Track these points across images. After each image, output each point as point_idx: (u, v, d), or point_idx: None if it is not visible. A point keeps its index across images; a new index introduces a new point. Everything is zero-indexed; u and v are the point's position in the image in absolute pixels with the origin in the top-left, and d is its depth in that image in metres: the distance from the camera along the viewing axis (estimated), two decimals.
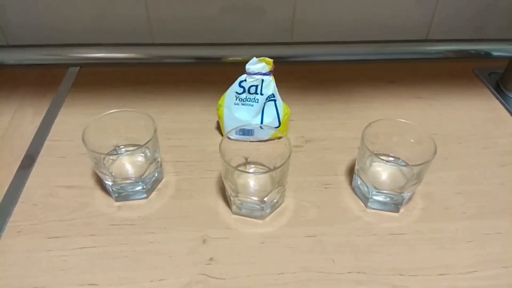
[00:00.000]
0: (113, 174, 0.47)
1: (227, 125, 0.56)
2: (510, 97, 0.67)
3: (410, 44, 0.77)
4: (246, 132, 0.50)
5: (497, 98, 0.67)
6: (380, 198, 0.48)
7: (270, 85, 0.53)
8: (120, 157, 0.50)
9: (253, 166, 0.52)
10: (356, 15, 0.73)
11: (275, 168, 0.43)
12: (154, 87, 0.68)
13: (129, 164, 0.49)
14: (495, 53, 0.78)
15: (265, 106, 0.54)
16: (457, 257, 0.44)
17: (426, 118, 0.63)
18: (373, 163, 0.49)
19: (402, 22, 0.75)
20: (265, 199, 0.46)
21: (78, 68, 0.72)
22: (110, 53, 0.74)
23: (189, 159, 0.55)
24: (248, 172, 0.48)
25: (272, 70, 0.53)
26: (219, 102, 0.56)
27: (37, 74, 0.71)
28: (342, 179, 0.53)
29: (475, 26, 0.77)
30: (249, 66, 0.52)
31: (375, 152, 0.52)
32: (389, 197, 0.48)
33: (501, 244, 0.46)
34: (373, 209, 0.49)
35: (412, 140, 0.49)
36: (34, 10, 0.69)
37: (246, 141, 0.51)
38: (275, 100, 0.54)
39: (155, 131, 0.47)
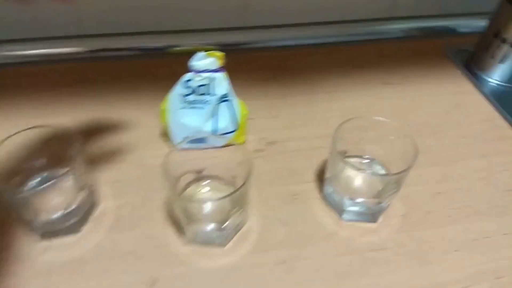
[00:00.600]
0: (33, 208, 0.38)
1: (175, 133, 0.47)
2: (482, 77, 0.62)
3: (374, 23, 0.70)
4: (197, 141, 0.42)
5: (469, 79, 0.62)
6: (356, 208, 0.42)
7: (222, 83, 0.45)
8: (38, 188, 0.40)
9: (209, 180, 0.44)
10: None
11: (233, 192, 0.35)
12: (84, 88, 0.57)
13: (52, 195, 0.39)
14: (461, 29, 0.73)
15: (219, 108, 0.46)
16: (446, 272, 0.39)
17: (398, 107, 0.57)
18: (346, 170, 0.42)
19: (365, 0, 0.68)
20: (225, 225, 0.38)
21: None
22: (29, 49, 0.62)
23: (130, 177, 0.46)
24: (200, 201, 0.39)
25: (223, 65, 0.44)
26: (162, 106, 0.47)
27: None
28: (312, 186, 0.46)
29: (438, 1, 0.71)
30: (195, 63, 0.43)
31: (347, 154, 0.45)
32: (366, 207, 0.42)
33: (490, 250, 0.41)
34: (349, 220, 0.43)
35: (388, 139, 0.43)
36: None
37: (199, 150, 0.42)
38: (229, 100, 0.46)
39: (77, 151, 0.38)
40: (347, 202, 0.42)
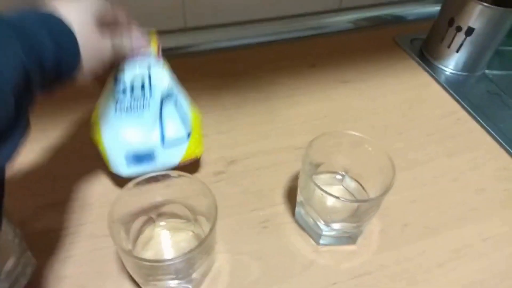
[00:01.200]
0: None
1: (113, 153, 0.37)
2: (437, 66, 0.61)
3: (322, 16, 0.66)
4: (143, 159, 0.35)
5: (425, 70, 0.60)
6: (333, 233, 0.38)
7: (163, 76, 0.36)
8: None
9: (165, 220, 0.38)
10: None
11: (200, 244, 0.29)
12: None
13: None
14: (411, 17, 0.71)
15: (162, 110, 0.36)
16: None
17: (359, 107, 0.54)
18: (319, 194, 0.38)
19: None
20: (192, 276, 0.33)
21: None
22: None
23: (67, 223, 0.39)
24: (157, 262, 0.32)
25: (159, 52, 0.36)
26: (92, 119, 0.37)
27: None
28: (282, 209, 0.42)
29: None
30: None
31: (318, 170, 0.41)
32: (344, 231, 0.38)
33: (473, 260, 0.39)
34: (327, 245, 0.39)
35: (362, 154, 0.39)
36: None
37: (150, 184, 0.34)
38: (174, 96, 0.37)
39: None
40: (323, 226, 0.38)
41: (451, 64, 0.60)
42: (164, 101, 0.36)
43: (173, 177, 0.34)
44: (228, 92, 0.54)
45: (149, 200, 0.35)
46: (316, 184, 0.34)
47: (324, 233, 0.38)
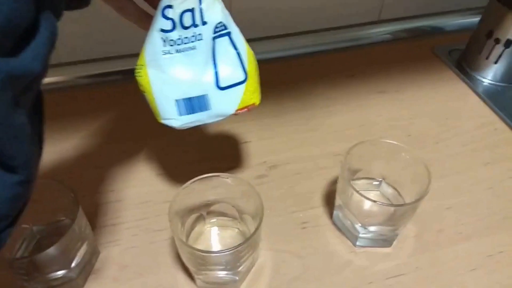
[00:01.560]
0: (32, 271, 0.35)
1: (161, 99, 0.33)
2: (475, 77, 0.62)
3: (361, 27, 0.69)
4: (196, 105, 0.32)
5: (463, 80, 0.62)
6: (369, 235, 0.41)
7: (214, 5, 0.31)
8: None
9: (215, 218, 0.42)
10: (298, 2, 0.63)
11: (246, 241, 0.33)
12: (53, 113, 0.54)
13: (54, 254, 0.36)
14: (449, 28, 0.72)
15: (215, 46, 0.32)
16: None
17: (396, 117, 0.56)
18: (357, 198, 0.40)
19: (352, 5, 0.66)
20: (238, 269, 0.36)
21: None
22: None
23: (130, 218, 0.43)
24: (209, 252, 0.36)
25: None
26: (139, 62, 0.32)
27: None
28: (320, 212, 0.45)
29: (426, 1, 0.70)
30: None
31: (355, 177, 0.44)
32: (380, 234, 0.41)
33: (506, 265, 0.41)
34: (363, 247, 0.42)
35: (398, 161, 0.42)
36: None
37: (203, 183, 0.35)
38: (229, 33, 0.32)
39: (79, 207, 0.35)
40: (360, 229, 0.40)
41: (490, 75, 0.61)
42: (217, 38, 0.32)
43: (223, 178, 0.38)
44: (269, 102, 0.57)
45: (201, 199, 0.39)
46: (354, 188, 0.37)
47: (361, 235, 0.41)
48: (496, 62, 0.59)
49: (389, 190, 0.44)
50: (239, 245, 0.32)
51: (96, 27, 0.56)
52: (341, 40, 0.68)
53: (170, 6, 0.30)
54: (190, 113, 0.32)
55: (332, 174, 0.48)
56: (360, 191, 0.37)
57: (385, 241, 0.41)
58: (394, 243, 0.42)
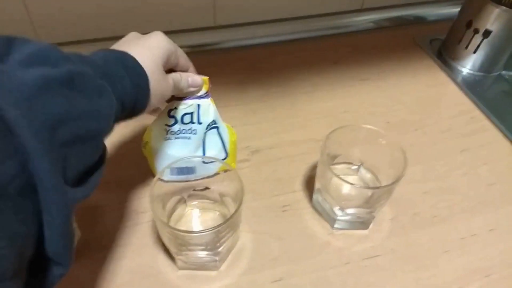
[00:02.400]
0: None
1: (159, 166, 0.43)
2: (455, 66, 0.63)
3: (345, 15, 0.69)
4: (184, 171, 0.40)
5: (442, 69, 0.63)
6: (347, 217, 0.42)
7: (209, 110, 0.41)
8: None
9: (196, 201, 0.42)
10: None
11: (225, 221, 0.34)
12: None
13: None
14: (431, 18, 0.73)
15: (206, 136, 0.42)
16: (438, 275, 0.40)
17: (377, 104, 0.57)
18: (336, 180, 0.41)
19: None
20: (218, 250, 0.37)
21: None
22: None
23: (113, 200, 0.44)
24: (190, 232, 0.37)
25: (209, 90, 0.41)
26: (144, 139, 0.43)
27: None
28: (301, 196, 0.46)
29: None
30: None
31: (335, 162, 0.45)
32: (357, 216, 0.42)
33: (478, 248, 0.42)
34: (340, 229, 0.43)
35: (376, 146, 0.42)
36: None
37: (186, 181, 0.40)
38: (217, 128, 0.43)
39: None
40: (338, 212, 0.41)
41: (468, 64, 0.62)
42: (208, 130, 0.42)
43: (204, 162, 0.38)
44: (254, 87, 0.58)
45: (182, 182, 0.40)
46: (333, 172, 0.38)
47: (338, 218, 0.42)
48: (475, 52, 0.60)
49: (367, 175, 0.45)
50: (219, 225, 0.33)
51: None
52: (325, 27, 0.68)
53: (175, 108, 0.40)
54: (179, 175, 0.40)
55: (313, 159, 0.49)
56: (339, 175, 0.38)
57: (362, 223, 0.43)
58: (371, 225, 0.43)
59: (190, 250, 0.36)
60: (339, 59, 0.63)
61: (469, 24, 0.59)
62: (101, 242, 0.40)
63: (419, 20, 0.73)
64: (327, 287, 0.38)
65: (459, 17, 0.61)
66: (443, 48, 0.65)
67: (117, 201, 0.44)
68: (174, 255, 0.38)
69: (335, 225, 0.43)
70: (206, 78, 0.41)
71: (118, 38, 0.36)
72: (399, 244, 0.42)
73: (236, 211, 0.34)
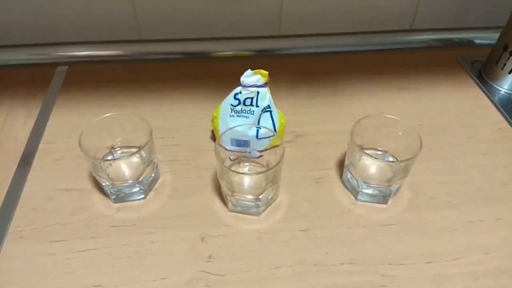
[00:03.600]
0: (110, 177, 0.49)
1: (223, 137, 0.53)
2: (491, 85, 0.69)
3: (396, 34, 0.78)
4: (241, 144, 0.51)
5: (479, 87, 0.69)
6: (369, 191, 0.50)
7: (265, 97, 0.52)
8: (117, 160, 0.51)
9: (247, 164, 0.53)
10: (341, 5, 0.74)
11: (269, 169, 0.44)
12: (144, 85, 0.68)
13: (126, 167, 0.50)
14: (477, 41, 0.80)
15: (261, 117, 0.53)
16: (443, 245, 0.47)
17: (412, 110, 0.65)
18: (362, 158, 0.51)
19: (387, 13, 0.76)
20: (260, 196, 0.47)
21: (66, 67, 0.71)
22: (97, 50, 0.74)
23: (184, 157, 0.56)
24: (243, 173, 0.49)
25: (267, 81, 0.52)
26: (214, 114, 0.55)
27: (25, 74, 0.71)
28: (333, 173, 0.55)
29: (457, 15, 0.78)
30: (244, 79, 0.51)
31: (363, 147, 0.54)
32: (378, 190, 0.50)
33: (483, 231, 0.49)
34: (363, 201, 0.51)
35: (398, 134, 0.51)
36: (17, 9, 0.68)
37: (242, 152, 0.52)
38: (270, 111, 0.53)
39: (151, 134, 0.48)
40: (362, 185, 0.50)
41: (505, 84, 0.68)
42: (263, 112, 0.53)
43: (258, 138, 0.50)
44: (304, 86, 0.68)
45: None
46: (361, 149, 0.47)
47: (362, 190, 0.51)
48: (510, 73, 0.66)
49: (389, 158, 0.53)
50: (263, 171, 0.44)
51: None
52: (375, 43, 0.78)
53: (240, 93, 0.52)
54: (236, 146, 0.51)
55: (346, 147, 0.58)
56: (363, 150, 0.47)
57: (382, 197, 0.51)
58: (390, 201, 0.51)
59: (238, 195, 0.47)
60: (384, 70, 0.72)
61: (505, 47, 0.66)
62: (173, 185, 0.53)
63: (467, 44, 0.80)
64: (343, 240, 0.47)
65: (498, 41, 0.68)
66: (483, 68, 0.72)
67: (189, 159, 0.56)
68: (227, 197, 0.49)
69: (359, 197, 0.51)
70: (266, 72, 0.52)
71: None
72: (412, 219, 0.50)
73: (276, 165, 0.45)
